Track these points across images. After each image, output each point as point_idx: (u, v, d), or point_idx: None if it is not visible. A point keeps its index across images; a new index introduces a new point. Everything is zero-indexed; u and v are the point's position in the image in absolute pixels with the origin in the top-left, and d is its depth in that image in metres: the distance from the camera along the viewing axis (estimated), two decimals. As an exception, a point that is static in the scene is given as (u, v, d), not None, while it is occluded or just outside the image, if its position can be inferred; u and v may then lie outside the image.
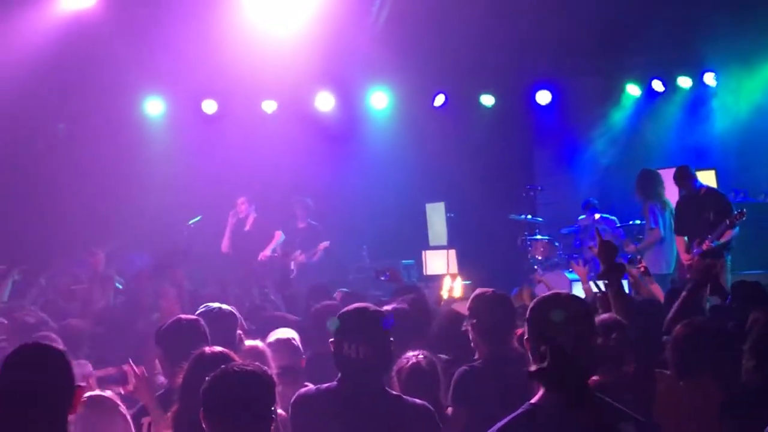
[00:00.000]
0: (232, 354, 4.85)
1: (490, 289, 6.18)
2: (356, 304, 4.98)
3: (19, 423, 3.68)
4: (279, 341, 6.51)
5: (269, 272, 13.47)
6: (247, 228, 14.58)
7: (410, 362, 5.57)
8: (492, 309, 5.88)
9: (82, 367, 6.45)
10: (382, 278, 11.51)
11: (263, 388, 4.07)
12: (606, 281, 5.99)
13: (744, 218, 11.43)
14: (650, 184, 13.14)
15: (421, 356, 5.62)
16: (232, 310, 6.21)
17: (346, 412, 4.67)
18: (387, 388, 4.84)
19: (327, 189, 16.36)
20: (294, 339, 6.58)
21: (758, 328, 5.61)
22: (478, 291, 6.15)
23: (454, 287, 9.53)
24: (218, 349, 4.88)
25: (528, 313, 3.93)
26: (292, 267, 14.07)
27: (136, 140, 16.17)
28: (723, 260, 11.61)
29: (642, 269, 10.21)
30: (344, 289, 11.25)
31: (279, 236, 14.53)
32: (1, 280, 10.07)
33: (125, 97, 15.96)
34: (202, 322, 5.67)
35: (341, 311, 4.91)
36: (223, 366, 4.20)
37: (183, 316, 5.87)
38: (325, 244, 14.60)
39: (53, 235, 14.32)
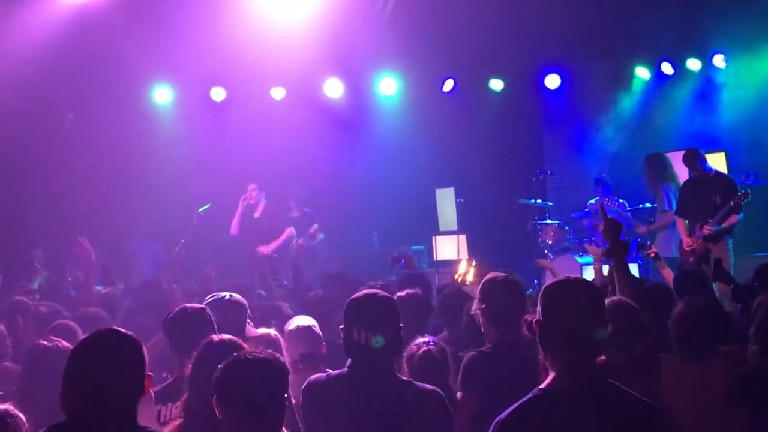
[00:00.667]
0: (240, 342, 4.86)
1: (502, 274, 6.19)
2: (366, 290, 5.00)
3: (95, 407, 3.74)
4: (299, 328, 6.56)
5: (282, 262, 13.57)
6: (256, 215, 14.60)
7: (422, 349, 5.62)
8: (502, 294, 5.87)
9: None
10: (398, 265, 11.55)
11: (277, 375, 4.10)
12: (611, 260, 6.00)
13: (748, 199, 11.40)
14: (661, 166, 13.14)
15: (432, 344, 5.68)
16: (241, 299, 6.24)
17: (357, 398, 4.68)
18: (398, 374, 4.84)
19: (336, 176, 16.42)
20: (314, 326, 6.62)
21: (763, 311, 5.60)
22: (489, 275, 6.15)
23: (468, 272, 9.59)
24: (227, 336, 4.88)
25: (540, 298, 3.95)
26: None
27: (145, 129, 16.29)
28: (724, 244, 11.61)
29: (652, 254, 10.22)
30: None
31: (290, 232, 14.57)
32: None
33: (133, 86, 16.05)
34: (209, 310, 5.68)
35: (351, 297, 4.90)
36: (236, 353, 4.22)
37: (189, 305, 5.86)
38: (315, 226, 14.68)
39: (62, 224, 14.36)
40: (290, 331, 6.52)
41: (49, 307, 8.05)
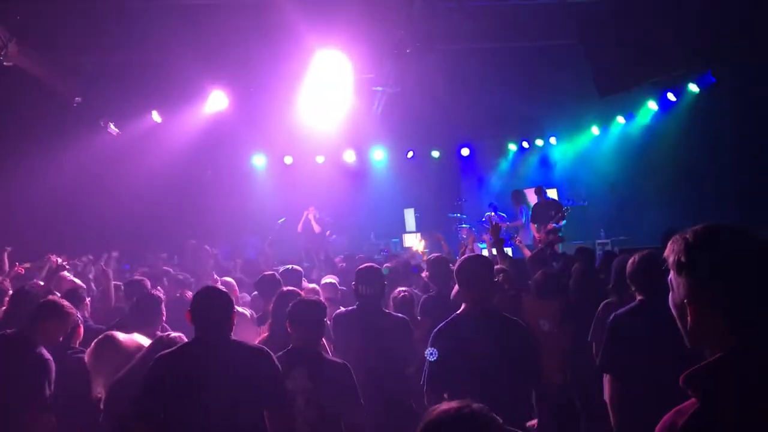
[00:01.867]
0: (298, 291, 4.67)
1: (438, 254, 6.23)
2: (367, 263, 4.92)
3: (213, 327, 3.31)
4: (326, 284, 6.30)
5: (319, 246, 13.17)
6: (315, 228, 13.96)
7: (401, 294, 5.43)
8: (441, 265, 5.72)
9: None
10: (383, 252, 11.49)
11: (320, 309, 3.89)
12: (495, 247, 6.01)
13: (569, 212, 11.36)
14: (520, 196, 13.18)
15: (405, 291, 5.49)
16: (298, 268, 6.02)
17: (361, 322, 4.57)
18: (383, 309, 4.75)
19: (349, 205, 15.86)
20: (335, 283, 6.33)
21: (576, 274, 5.62)
22: (433, 256, 6.07)
23: (420, 244, 9.54)
24: (290, 288, 4.71)
25: (457, 265, 3.88)
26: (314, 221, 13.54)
27: (247, 184, 15.72)
28: (557, 236, 11.56)
29: (518, 242, 10.22)
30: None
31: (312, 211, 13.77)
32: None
33: (242, 155, 15.63)
34: (278, 275, 5.47)
35: (358, 267, 4.82)
36: (297, 298, 4.09)
37: (267, 271, 5.63)
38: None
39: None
40: (323, 284, 6.29)
41: (183, 276, 7.10)
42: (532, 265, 6.46)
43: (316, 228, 13.81)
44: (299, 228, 14.02)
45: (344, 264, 8.96)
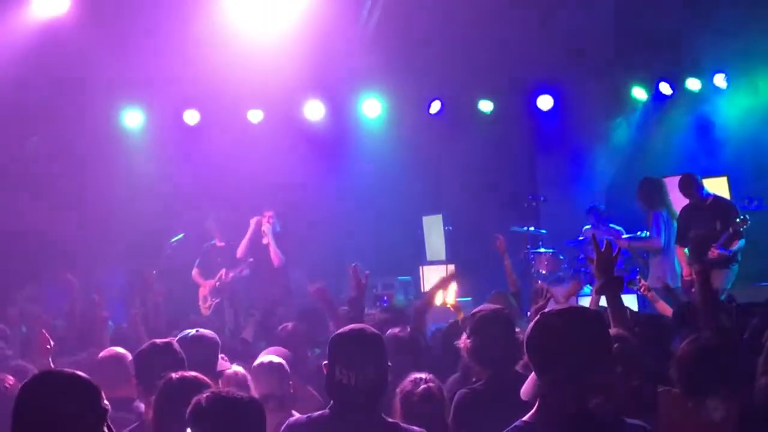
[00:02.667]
0: (204, 379, 4.86)
1: (491, 307, 6.23)
2: (351, 326, 4.98)
3: None
4: (263, 365, 6.58)
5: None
6: (265, 242, 14.54)
7: (420, 387, 5.60)
8: (492, 329, 5.90)
9: None
10: (381, 302, 11.63)
11: (251, 418, 4.10)
12: (604, 295, 6.03)
13: (747, 225, 11.49)
14: (655, 192, 13.17)
15: (432, 383, 5.66)
16: (209, 334, 6.23)
17: None
18: (383, 416, 4.83)
19: (317, 202, 16.42)
20: (283, 364, 6.62)
21: None
22: (477, 309, 6.18)
23: (448, 292, 9.62)
24: (189, 373, 4.88)
25: (530, 330, 3.98)
26: (217, 284, 14.19)
27: (114, 154, 16.17)
28: (726, 271, 11.69)
29: (643, 289, 10.28)
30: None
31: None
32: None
33: (101, 108, 15.96)
34: (176, 345, 5.71)
35: (336, 333, 4.90)
36: (211, 391, 4.20)
37: (157, 340, 5.88)
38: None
39: (24, 253, 14.29)
40: (254, 367, 6.55)
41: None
42: (680, 329, 6.70)
43: (275, 257, 14.44)
44: (240, 251, 14.55)
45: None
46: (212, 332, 6.31)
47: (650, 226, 13.19)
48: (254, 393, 5.76)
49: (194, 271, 14.67)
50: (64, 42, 13.13)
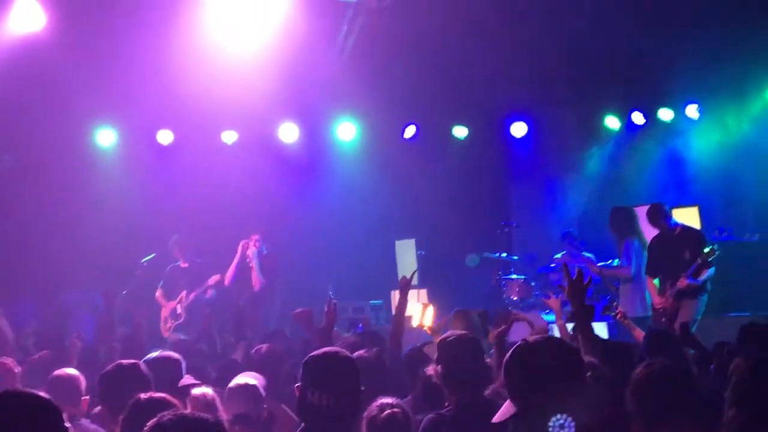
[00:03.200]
0: (170, 399, 4.83)
1: (459, 333, 6.24)
2: (325, 349, 5.00)
3: None
4: (239, 387, 6.53)
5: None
6: (251, 265, 14.56)
7: (385, 412, 5.58)
8: (461, 354, 5.92)
9: None
10: (356, 328, 11.62)
11: None
12: (574, 323, 6.06)
13: (716, 255, 11.52)
14: (626, 221, 13.19)
15: (397, 409, 5.63)
16: (173, 355, 6.22)
17: None
18: None
19: (290, 224, 16.36)
20: (257, 386, 6.58)
21: (738, 375, 5.67)
22: (446, 335, 6.19)
23: (425, 315, 9.61)
24: (157, 395, 4.85)
25: (507, 359, 4.01)
26: (179, 310, 14.16)
27: (86, 172, 16.07)
28: (696, 302, 11.74)
29: (619, 315, 10.32)
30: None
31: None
32: None
33: (75, 127, 15.85)
34: (143, 366, 5.72)
35: (309, 356, 4.90)
36: (173, 412, 4.06)
37: (123, 360, 5.89)
38: (216, 277, 14.47)
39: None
40: (229, 388, 6.52)
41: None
42: (650, 357, 6.68)
43: (256, 280, 14.48)
44: (228, 278, 14.62)
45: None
46: (176, 353, 6.31)
47: (621, 255, 13.19)
48: (224, 415, 5.75)
49: (158, 293, 14.63)
50: (39, 59, 13.07)
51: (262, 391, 6.60)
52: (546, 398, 3.85)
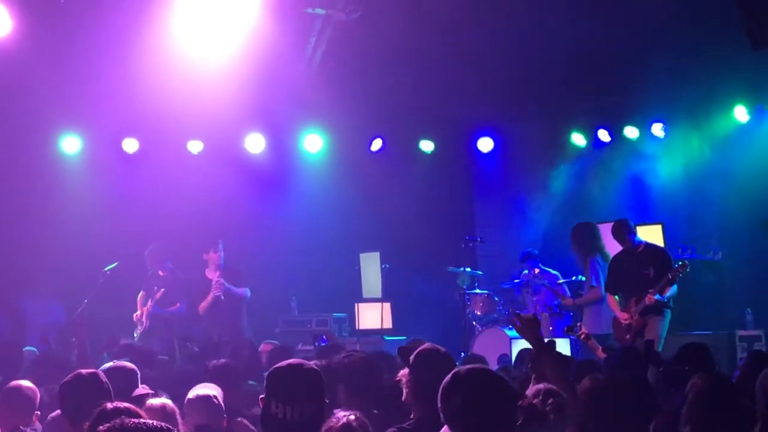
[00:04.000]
0: (137, 410, 4.80)
1: (437, 347, 6.24)
2: (289, 360, 4.98)
3: None
4: (198, 398, 6.50)
5: None
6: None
7: (341, 422, 5.55)
8: (435, 368, 5.89)
9: None
10: (320, 341, 11.60)
11: None
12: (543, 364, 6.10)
13: (686, 271, 11.58)
14: (587, 237, 13.27)
15: (352, 416, 5.60)
16: (128, 365, 6.21)
17: None
18: None
19: (255, 235, 16.32)
20: (215, 397, 6.56)
21: (694, 394, 5.72)
22: (422, 347, 6.18)
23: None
24: (123, 404, 4.82)
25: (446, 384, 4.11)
26: (143, 319, 14.14)
27: (51, 179, 15.93)
28: (660, 319, 11.78)
29: (583, 336, 10.37)
30: (272, 341, 11.20)
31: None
32: None
33: (40, 133, 15.71)
34: (103, 376, 5.73)
35: (273, 367, 4.89)
36: (116, 421, 4.06)
37: (83, 370, 5.88)
38: (160, 292, 14.23)
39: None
40: (188, 399, 6.49)
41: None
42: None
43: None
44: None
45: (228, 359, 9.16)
46: (131, 363, 6.29)
47: (588, 275, 13.23)
48: (182, 426, 5.72)
49: (139, 296, 14.58)
50: (4, 64, 12.98)
51: (220, 401, 6.57)
52: (481, 424, 3.89)
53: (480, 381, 4.13)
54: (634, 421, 5.72)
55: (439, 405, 4.12)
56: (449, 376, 4.16)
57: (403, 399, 6.01)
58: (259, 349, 11.26)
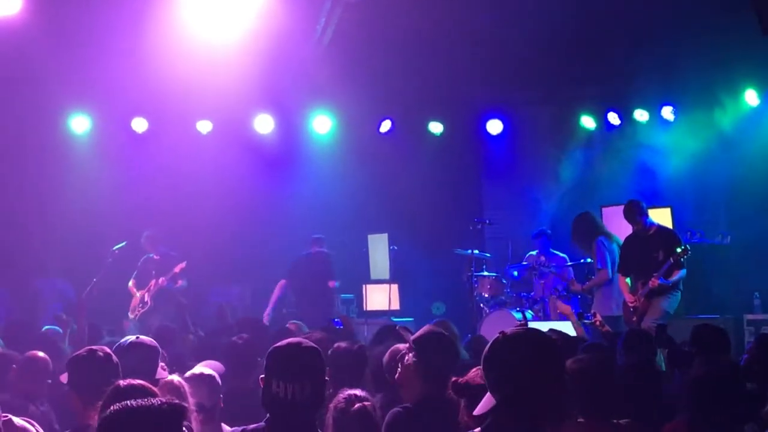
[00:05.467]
0: (152, 387, 4.83)
1: (436, 329, 6.24)
2: (289, 339, 4.99)
3: None
4: (196, 376, 6.51)
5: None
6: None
7: (356, 405, 5.51)
8: (437, 350, 5.89)
9: None
10: (334, 326, 11.57)
11: (170, 423, 3.84)
12: None
13: (688, 255, 11.57)
14: (586, 227, 13.25)
15: (367, 401, 5.53)
16: (148, 340, 6.21)
17: None
18: (319, 430, 4.85)
19: (263, 216, 16.37)
20: (214, 376, 6.58)
21: (695, 380, 5.74)
22: (425, 329, 6.19)
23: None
24: (136, 381, 4.82)
25: (487, 351, 4.02)
26: (147, 299, 14.29)
27: (60, 159, 16.00)
28: (666, 299, 11.78)
29: (597, 323, 10.37)
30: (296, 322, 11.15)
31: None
32: None
33: (49, 113, 15.79)
34: (114, 355, 5.71)
35: (273, 346, 4.89)
36: (122, 401, 4.01)
37: (94, 346, 5.86)
38: (182, 265, 14.43)
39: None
40: (186, 378, 6.48)
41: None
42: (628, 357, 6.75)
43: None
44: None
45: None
46: (152, 339, 6.29)
47: (594, 258, 13.23)
48: (190, 401, 5.74)
49: (130, 283, 14.68)
50: (13, 43, 12.99)
51: (218, 380, 6.59)
52: (524, 390, 3.87)
53: (532, 339, 4.08)
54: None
55: (483, 371, 4.08)
56: (491, 342, 4.13)
57: (396, 377, 6.02)
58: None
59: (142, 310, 14.33)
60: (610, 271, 12.85)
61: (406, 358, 5.98)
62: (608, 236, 13.05)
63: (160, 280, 14.29)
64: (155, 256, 14.75)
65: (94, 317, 11.03)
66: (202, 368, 6.72)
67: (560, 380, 3.99)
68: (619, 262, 12.56)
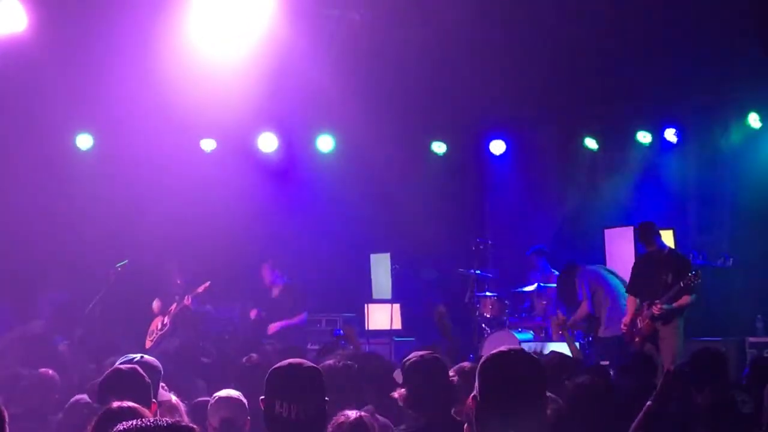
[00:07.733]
0: (143, 409, 4.79)
1: (423, 353, 6.25)
2: (290, 360, 4.97)
3: None
4: (224, 397, 6.55)
5: None
6: (275, 295, 14.86)
7: (352, 418, 5.50)
8: (424, 375, 5.91)
9: None
10: (340, 340, 11.58)
11: None
12: None
13: (699, 280, 11.56)
14: (569, 280, 13.45)
15: (363, 414, 5.56)
16: (155, 361, 6.20)
17: None
18: None
19: (267, 234, 16.34)
20: (240, 397, 6.60)
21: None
22: (410, 356, 6.20)
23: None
24: (126, 404, 4.79)
25: (480, 370, 3.98)
26: (166, 320, 14.36)
27: (65, 176, 16.00)
28: (674, 326, 11.77)
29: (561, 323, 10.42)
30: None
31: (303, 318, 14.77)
32: None
33: (53, 129, 15.76)
34: (142, 371, 5.69)
35: (273, 367, 4.88)
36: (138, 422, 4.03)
37: (122, 365, 5.86)
38: (206, 284, 14.42)
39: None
40: (216, 398, 6.52)
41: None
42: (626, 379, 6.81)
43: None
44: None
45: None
46: (154, 359, 6.29)
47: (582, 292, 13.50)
48: (187, 417, 5.74)
49: (154, 304, 14.68)
50: (19, 60, 13.01)
51: (245, 402, 6.60)
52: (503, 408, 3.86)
53: (509, 359, 4.05)
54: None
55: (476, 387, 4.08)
56: (485, 357, 4.12)
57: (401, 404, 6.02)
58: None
59: (161, 333, 14.27)
60: (588, 304, 13.24)
61: (398, 392, 6.01)
62: (587, 269, 13.21)
63: (186, 299, 14.25)
64: (179, 281, 14.76)
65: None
66: (229, 391, 6.75)
67: (540, 398, 3.98)
68: (630, 281, 12.60)
